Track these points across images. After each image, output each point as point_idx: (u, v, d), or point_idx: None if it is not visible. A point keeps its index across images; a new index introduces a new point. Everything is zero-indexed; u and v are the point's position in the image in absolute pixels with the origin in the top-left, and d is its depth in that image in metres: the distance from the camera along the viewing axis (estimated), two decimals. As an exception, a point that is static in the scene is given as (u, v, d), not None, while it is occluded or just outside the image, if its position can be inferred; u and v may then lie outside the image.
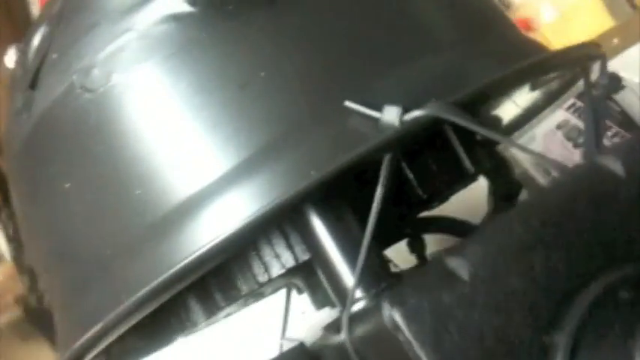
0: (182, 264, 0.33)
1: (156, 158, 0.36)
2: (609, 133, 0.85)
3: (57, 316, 0.41)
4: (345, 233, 0.35)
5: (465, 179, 0.45)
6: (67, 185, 0.38)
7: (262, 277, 0.40)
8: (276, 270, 0.39)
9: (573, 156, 0.85)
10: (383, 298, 0.24)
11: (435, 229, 0.55)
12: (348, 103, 0.33)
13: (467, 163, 0.42)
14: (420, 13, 0.37)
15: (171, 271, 0.33)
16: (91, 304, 0.37)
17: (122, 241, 0.36)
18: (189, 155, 0.36)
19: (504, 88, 0.36)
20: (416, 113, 0.31)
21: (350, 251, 0.34)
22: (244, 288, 0.40)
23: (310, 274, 0.40)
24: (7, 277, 1.20)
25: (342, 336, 0.30)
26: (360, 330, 0.28)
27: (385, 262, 0.36)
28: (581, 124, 0.86)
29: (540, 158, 0.33)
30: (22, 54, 0.42)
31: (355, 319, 0.30)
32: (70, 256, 0.39)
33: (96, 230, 0.37)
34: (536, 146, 0.86)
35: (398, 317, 0.22)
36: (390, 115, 0.32)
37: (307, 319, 0.54)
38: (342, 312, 0.33)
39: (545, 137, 0.87)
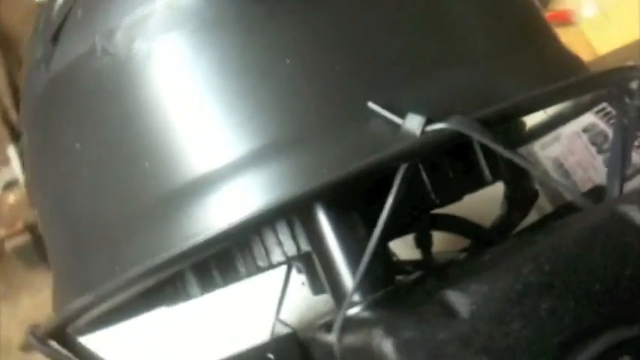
0: (183, 246, 0.32)
1: (168, 133, 0.35)
2: (636, 143, 0.83)
3: (54, 273, 0.41)
4: (351, 235, 0.34)
5: (481, 186, 0.44)
6: (77, 145, 0.38)
7: (262, 262, 0.39)
8: (277, 257, 0.39)
9: (595, 161, 0.84)
10: (377, 325, 0.23)
11: (444, 227, 0.54)
12: (371, 105, 0.32)
13: (486, 173, 0.41)
14: (457, 23, 0.36)
15: (173, 252, 0.32)
16: (86, 270, 0.37)
17: (125, 212, 0.36)
18: (202, 134, 0.35)
19: (532, 109, 0.34)
20: (439, 126, 0.30)
21: (353, 254, 0.34)
22: (243, 271, 0.40)
23: (312, 261, 0.40)
24: (19, 203, 1.21)
25: (333, 339, 0.30)
26: (350, 339, 0.28)
27: (389, 267, 0.36)
28: (608, 130, 0.84)
29: (557, 184, 0.31)
30: (49, 3, 0.42)
31: (348, 326, 0.30)
32: (73, 217, 0.39)
33: (100, 196, 0.37)
34: (559, 147, 0.84)
35: (388, 349, 0.22)
36: (413, 123, 0.31)
37: (306, 289, 0.54)
38: (336, 313, 0.32)
39: (569, 138, 0.85)
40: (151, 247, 0.34)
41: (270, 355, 0.39)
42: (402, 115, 0.32)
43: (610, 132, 0.86)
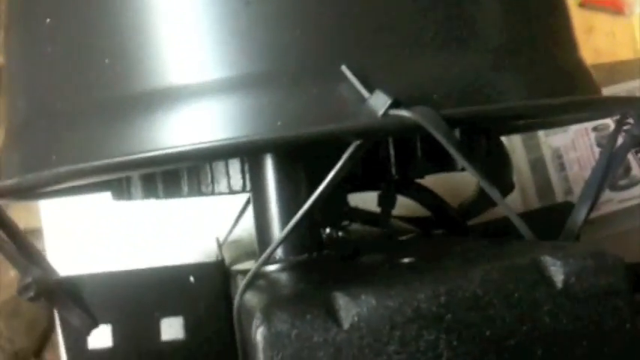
0: (124, 158, 0.31)
1: (140, 33, 0.34)
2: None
3: (5, 134, 0.40)
4: (290, 192, 0.33)
5: (450, 170, 0.42)
6: (48, 20, 0.36)
7: (206, 189, 0.38)
8: (222, 188, 0.38)
9: (594, 164, 0.82)
10: (262, 305, 0.22)
11: (409, 193, 0.53)
12: (344, 69, 0.30)
13: (458, 161, 0.40)
14: (473, 5, 0.33)
15: (112, 161, 0.31)
16: (27, 147, 0.36)
17: (75, 102, 0.34)
18: (172, 46, 0.33)
19: (516, 118, 0.32)
20: (402, 112, 0.29)
21: (287, 211, 0.33)
22: (186, 190, 0.39)
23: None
24: None
25: (239, 289, 0.30)
26: (247, 298, 0.28)
27: (319, 234, 0.35)
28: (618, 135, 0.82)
29: (508, 212, 0.30)
30: None
31: (256, 283, 0.29)
32: (29, 91, 0.38)
33: (56, 79, 0.35)
34: (564, 139, 0.83)
35: (259, 338, 0.21)
36: (378, 101, 0.29)
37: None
38: (255, 264, 0.32)
39: (576, 133, 0.83)
40: (92, 147, 0.33)
41: (192, 278, 0.39)
42: (373, 87, 0.30)
43: (620, 138, 0.84)
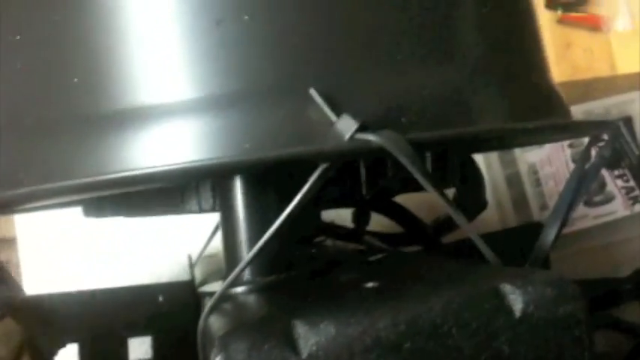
0: (90, 180, 0.31)
1: (112, 52, 0.33)
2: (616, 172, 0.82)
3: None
4: (259, 214, 0.33)
5: (419, 190, 0.42)
6: (18, 37, 0.36)
7: (175, 209, 0.38)
8: (192, 207, 0.38)
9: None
10: (220, 333, 0.22)
11: (383, 210, 0.54)
12: (312, 92, 0.30)
13: (424, 186, 0.40)
14: (454, 21, 0.33)
15: (76, 182, 0.31)
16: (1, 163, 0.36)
17: (43, 119, 0.34)
18: (146, 65, 0.33)
19: (492, 140, 0.32)
20: (368, 136, 0.29)
21: (256, 233, 0.33)
22: (156, 209, 0.39)
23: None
24: None
25: (204, 312, 0.30)
26: (212, 322, 0.27)
27: (289, 254, 0.35)
28: (592, 151, 0.83)
29: (473, 236, 0.30)
30: None
31: (221, 305, 0.29)
32: (1, 104, 0.37)
33: (25, 97, 0.35)
34: (539, 154, 0.83)
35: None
36: (345, 126, 0.29)
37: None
38: (221, 285, 0.32)
39: (552, 148, 0.84)
40: (61, 165, 0.33)
41: (161, 298, 0.38)
42: (341, 111, 0.30)
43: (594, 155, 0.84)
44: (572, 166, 0.83)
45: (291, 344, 0.21)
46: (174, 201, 0.38)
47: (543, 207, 0.83)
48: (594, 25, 0.93)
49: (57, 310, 0.37)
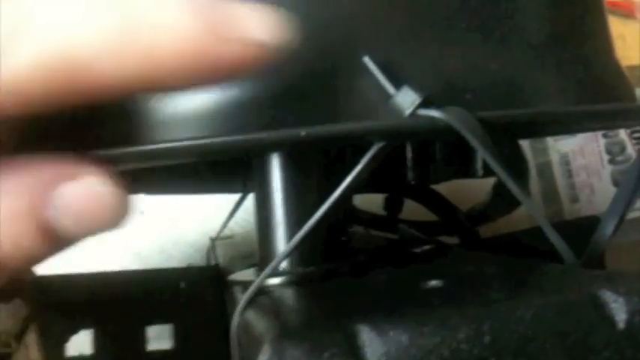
0: (119, 151, 0.27)
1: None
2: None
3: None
4: (300, 196, 0.29)
5: (469, 177, 0.39)
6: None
7: (203, 188, 0.35)
8: (222, 187, 0.35)
9: (603, 170, 0.80)
10: (270, 333, 0.19)
11: (418, 197, 0.50)
12: (367, 61, 0.27)
13: (478, 167, 0.36)
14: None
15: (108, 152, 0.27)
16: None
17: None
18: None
19: (559, 125, 0.29)
20: (433, 113, 0.25)
21: (294, 219, 0.29)
22: (181, 188, 0.36)
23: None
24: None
25: (239, 305, 0.26)
26: (250, 318, 0.24)
27: (331, 241, 0.31)
28: (628, 142, 0.80)
29: (549, 232, 0.27)
30: None
31: (258, 298, 0.26)
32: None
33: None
34: (572, 144, 0.80)
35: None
36: (406, 99, 0.26)
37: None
38: (257, 277, 0.28)
39: (585, 138, 0.80)
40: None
41: (182, 284, 0.35)
42: (400, 83, 0.26)
43: (629, 145, 0.81)
44: (605, 157, 0.80)
45: (356, 353, 0.18)
46: (203, 179, 0.35)
47: (574, 199, 0.79)
48: (628, 12, 0.90)
49: (70, 293, 0.34)
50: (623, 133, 0.83)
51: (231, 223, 0.54)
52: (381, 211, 0.50)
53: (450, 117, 0.25)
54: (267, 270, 0.26)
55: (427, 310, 0.19)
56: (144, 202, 0.62)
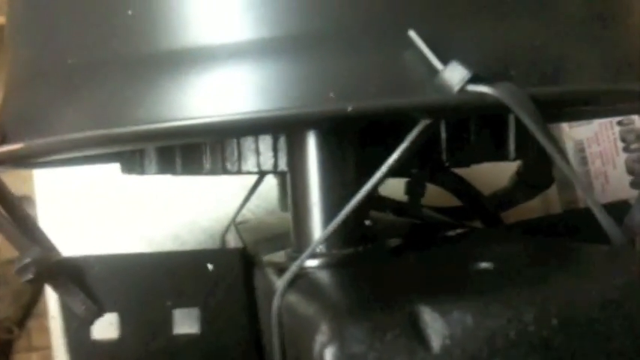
0: (144, 127, 0.27)
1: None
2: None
3: (6, 83, 0.35)
4: (337, 176, 0.29)
5: (501, 159, 0.38)
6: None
7: (232, 166, 0.34)
8: (250, 166, 0.34)
9: (618, 158, 0.79)
10: (325, 315, 0.18)
11: (442, 182, 0.49)
12: (413, 35, 0.26)
13: (511, 149, 0.35)
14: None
15: (131, 129, 0.27)
16: (36, 105, 0.31)
17: (91, 58, 0.30)
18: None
19: (597, 100, 0.28)
20: (483, 89, 0.24)
21: (332, 198, 0.28)
22: (208, 167, 0.35)
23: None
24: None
25: (278, 287, 0.25)
26: (293, 300, 0.23)
27: (363, 222, 0.31)
28: (644, 130, 0.79)
29: (592, 203, 0.26)
30: None
31: (298, 280, 0.25)
32: (41, 42, 0.33)
33: (75, 29, 0.30)
34: (588, 131, 0.79)
35: (329, 356, 0.17)
36: (454, 75, 0.25)
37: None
38: (295, 259, 0.27)
39: (600, 126, 0.79)
40: (108, 110, 0.29)
41: (210, 266, 0.34)
42: (446, 58, 0.25)
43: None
44: (620, 145, 0.79)
45: (419, 334, 0.17)
46: (230, 159, 0.34)
47: (588, 187, 0.79)
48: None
49: (96, 275, 0.33)
50: (638, 121, 0.82)
51: (245, 211, 0.53)
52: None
53: (502, 93, 0.24)
54: (307, 252, 0.25)
55: (489, 290, 0.19)
56: (156, 190, 0.62)
